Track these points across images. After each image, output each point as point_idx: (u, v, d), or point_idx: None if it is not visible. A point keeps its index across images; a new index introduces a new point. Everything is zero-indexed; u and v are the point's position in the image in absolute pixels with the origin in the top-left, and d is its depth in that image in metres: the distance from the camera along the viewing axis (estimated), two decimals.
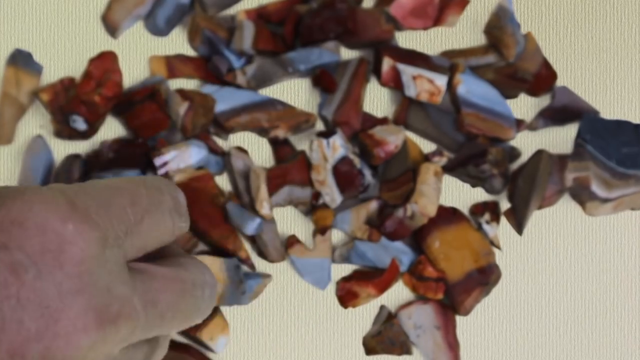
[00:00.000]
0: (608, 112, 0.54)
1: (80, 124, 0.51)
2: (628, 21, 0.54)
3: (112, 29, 0.52)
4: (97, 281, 0.27)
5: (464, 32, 0.53)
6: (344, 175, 0.50)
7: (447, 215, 0.52)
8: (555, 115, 0.53)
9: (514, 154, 0.53)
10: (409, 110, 0.52)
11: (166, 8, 0.52)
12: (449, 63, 0.52)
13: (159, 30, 0.52)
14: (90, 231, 0.27)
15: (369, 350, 0.53)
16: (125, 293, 0.27)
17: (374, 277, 0.51)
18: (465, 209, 0.53)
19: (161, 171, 0.50)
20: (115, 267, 0.28)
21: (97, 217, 0.28)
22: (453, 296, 0.51)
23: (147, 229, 0.30)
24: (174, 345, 0.51)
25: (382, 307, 0.53)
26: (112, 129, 0.52)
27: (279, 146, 0.52)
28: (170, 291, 0.30)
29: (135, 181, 0.31)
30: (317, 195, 0.52)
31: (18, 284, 0.25)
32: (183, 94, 0.50)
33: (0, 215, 0.26)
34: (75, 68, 0.52)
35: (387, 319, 0.52)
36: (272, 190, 0.50)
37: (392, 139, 0.50)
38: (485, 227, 0.52)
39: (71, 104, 0.50)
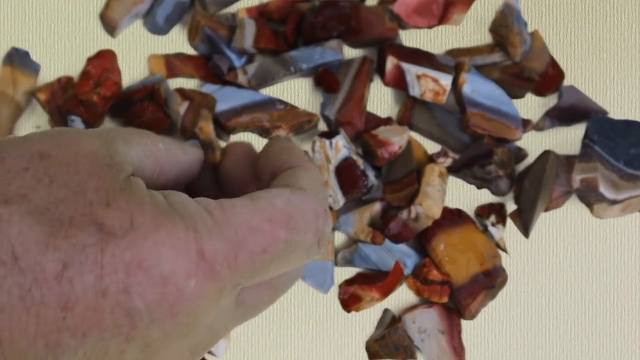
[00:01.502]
0: (617, 112, 0.53)
1: (78, 124, 0.50)
2: (636, 20, 0.53)
3: (110, 27, 0.51)
4: (202, 325, 0.28)
5: (469, 30, 0.53)
6: (347, 176, 0.50)
7: (452, 217, 0.52)
8: (562, 115, 0.52)
9: (520, 154, 0.52)
10: (413, 110, 0.52)
11: (166, 6, 0.51)
12: (454, 62, 0.51)
13: (159, 28, 0.52)
14: (211, 286, 0.27)
15: (372, 355, 0.52)
16: (222, 327, 0.29)
17: (377, 281, 0.51)
18: (470, 211, 0.53)
19: None
20: (224, 310, 0.29)
21: (221, 268, 0.28)
22: (458, 300, 0.51)
23: (273, 271, 0.30)
24: None
25: (385, 311, 0.52)
26: None
27: None
28: (261, 302, 0.31)
29: (277, 216, 0.30)
30: None
31: (130, 326, 0.26)
32: (183, 93, 0.50)
33: (130, 253, 0.26)
34: (73, 67, 0.52)
35: (391, 323, 0.51)
36: None
37: (396, 139, 0.50)
38: (491, 229, 0.52)
39: (69, 103, 0.50)
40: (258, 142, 0.52)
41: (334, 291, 0.52)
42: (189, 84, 0.52)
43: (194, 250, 0.27)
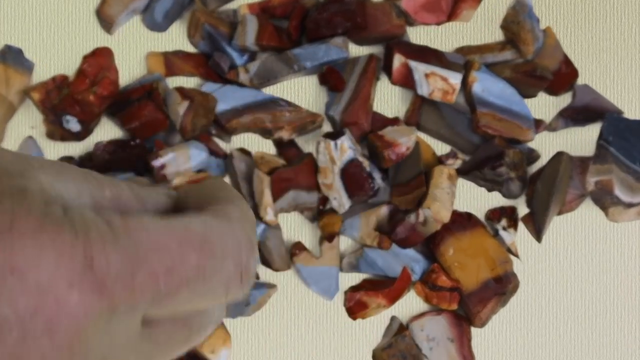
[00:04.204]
0: (632, 111, 0.53)
1: (73, 124, 0.50)
2: None
3: (107, 24, 0.51)
4: (91, 352, 0.24)
5: (479, 27, 0.52)
6: (352, 178, 0.49)
7: (462, 221, 0.51)
8: (576, 115, 0.52)
9: (532, 156, 0.52)
10: (421, 110, 0.51)
11: (164, 2, 0.51)
12: (463, 60, 0.51)
13: (157, 25, 0.51)
14: (98, 302, 0.24)
15: None
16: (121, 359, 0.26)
17: (384, 287, 0.51)
18: (481, 215, 0.52)
19: (159, 174, 0.49)
20: (121, 336, 0.26)
21: (113, 284, 0.25)
22: (468, 307, 0.51)
23: (183, 300, 0.27)
24: None
25: (393, 318, 0.52)
26: (107, 130, 0.51)
27: (284, 148, 0.52)
28: (173, 341, 0.28)
29: (191, 238, 0.27)
30: (324, 200, 0.51)
31: None
32: (182, 92, 0.49)
33: (3, 255, 0.23)
34: (68, 65, 0.51)
35: (399, 331, 0.51)
36: (276, 195, 0.49)
37: (404, 140, 0.50)
38: (502, 233, 0.51)
39: (64, 103, 0.50)
40: (260, 144, 0.52)
41: (339, 298, 0.52)
42: (189, 82, 0.52)
43: (80, 258, 0.24)
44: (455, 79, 0.49)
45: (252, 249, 0.29)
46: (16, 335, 0.23)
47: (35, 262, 0.23)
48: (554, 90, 0.52)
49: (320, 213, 0.51)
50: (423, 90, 0.50)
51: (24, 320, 0.23)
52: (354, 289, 0.51)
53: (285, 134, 0.51)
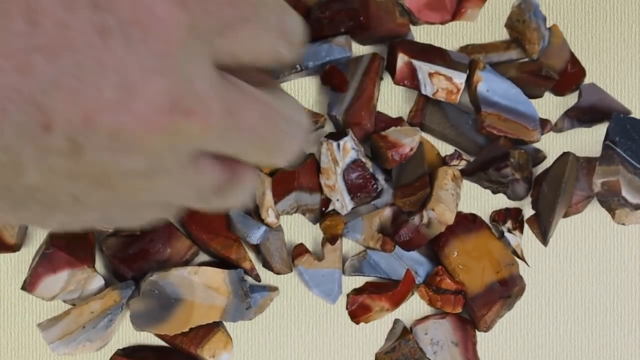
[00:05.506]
0: (635, 112, 0.52)
1: None
2: None
3: None
4: (180, 68, 0.26)
5: (484, 26, 0.52)
6: (355, 180, 0.49)
7: (466, 223, 0.51)
8: (582, 116, 0.51)
9: (538, 157, 0.51)
10: (425, 110, 0.51)
11: None
12: (468, 59, 0.50)
13: None
14: (181, 14, 0.27)
15: None
16: (206, 91, 0.27)
17: (387, 290, 0.50)
18: (485, 217, 0.52)
19: None
20: (201, 62, 0.27)
21: (190, 1, 0.27)
22: (473, 310, 0.50)
23: (242, 37, 0.29)
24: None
25: (396, 322, 0.52)
26: None
27: None
28: (255, 111, 0.29)
29: None
30: (326, 201, 0.50)
31: (103, 48, 0.25)
32: None
33: None
34: None
35: (402, 335, 0.50)
36: (278, 196, 0.49)
37: (407, 140, 0.49)
38: (508, 235, 0.51)
39: None
40: None
41: (341, 301, 0.51)
42: None
43: None
44: (460, 78, 0.49)
45: (289, 12, 0.32)
46: (119, 42, 0.25)
47: None
48: (559, 90, 0.51)
49: (322, 215, 0.50)
50: (427, 90, 0.49)
51: (123, 28, 0.25)
52: (356, 292, 0.51)
53: None
